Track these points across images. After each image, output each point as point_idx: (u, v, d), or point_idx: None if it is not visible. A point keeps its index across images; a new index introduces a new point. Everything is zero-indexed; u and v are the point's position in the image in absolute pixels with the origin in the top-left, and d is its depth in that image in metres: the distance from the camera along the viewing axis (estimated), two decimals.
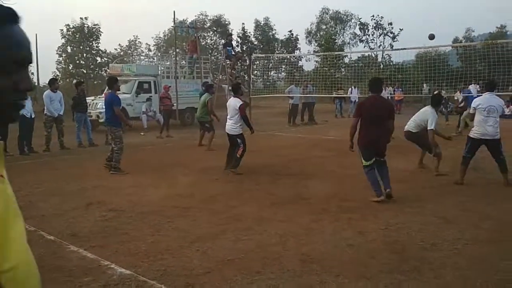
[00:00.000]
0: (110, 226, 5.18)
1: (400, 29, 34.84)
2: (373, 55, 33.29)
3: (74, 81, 16.70)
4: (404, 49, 19.05)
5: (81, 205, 6.10)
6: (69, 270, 3.97)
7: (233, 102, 8.25)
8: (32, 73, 28.62)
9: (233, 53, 19.85)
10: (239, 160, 8.10)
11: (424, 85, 22.99)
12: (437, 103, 8.08)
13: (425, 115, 7.81)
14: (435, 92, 11.56)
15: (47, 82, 13.83)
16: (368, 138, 6.11)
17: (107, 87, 11.67)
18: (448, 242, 4.53)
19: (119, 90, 9.58)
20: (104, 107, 15.31)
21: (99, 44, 33.70)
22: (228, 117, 8.33)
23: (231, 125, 8.19)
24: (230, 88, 17.45)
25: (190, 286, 3.63)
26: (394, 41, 34.55)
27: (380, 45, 35.21)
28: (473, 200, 6.25)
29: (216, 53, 34.77)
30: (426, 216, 5.45)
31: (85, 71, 32.98)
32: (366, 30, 35.87)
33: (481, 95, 7.60)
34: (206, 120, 11.38)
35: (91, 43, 33.10)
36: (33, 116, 11.07)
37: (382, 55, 33.32)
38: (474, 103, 7.05)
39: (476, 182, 7.15)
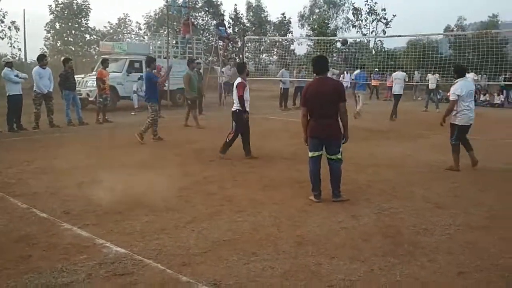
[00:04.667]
0: (103, 205, 5.15)
1: (393, 15, 34.73)
2: (366, 41, 33.18)
3: (62, 58, 16.31)
4: (396, 36, 19.06)
5: (74, 184, 6.05)
6: (63, 247, 3.95)
7: (236, 81, 7.84)
8: (19, 49, 28.00)
9: (225, 34, 19.68)
10: (227, 145, 7.81)
11: (416, 72, 23.01)
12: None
13: None
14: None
15: (35, 59, 13.56)
16: (316, 130, 5.39)
17: (98, 66, 12.20)
18: (440, 227, 4.60)
19: (155, 69, 10.63)
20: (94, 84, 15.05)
21: (88, 21, 33.06)
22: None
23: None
24: (222, 69, 17.48)
25: (186, 265, 3.64)
26: (387, 27, 34.43)
27: (373, 31, 35.09)
28: (464, 186, 6.35)
29: (207, 34, 34.24)
30: (418, 202, 5.53)
31: (73, 48, 32.31)
32: (359, 15, 35.67)
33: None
34: (189, 96, 12.08)
35: (80, 20, 32.41)
36: (21, 93, 10.86)
37: (375, 41, 33.23)
38: (458, 91, 6.99)
39: (465, 169, 7.24)
